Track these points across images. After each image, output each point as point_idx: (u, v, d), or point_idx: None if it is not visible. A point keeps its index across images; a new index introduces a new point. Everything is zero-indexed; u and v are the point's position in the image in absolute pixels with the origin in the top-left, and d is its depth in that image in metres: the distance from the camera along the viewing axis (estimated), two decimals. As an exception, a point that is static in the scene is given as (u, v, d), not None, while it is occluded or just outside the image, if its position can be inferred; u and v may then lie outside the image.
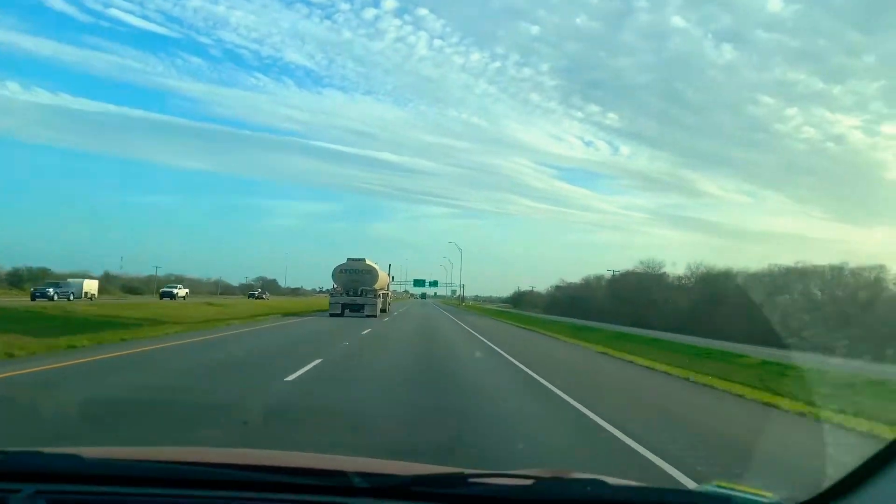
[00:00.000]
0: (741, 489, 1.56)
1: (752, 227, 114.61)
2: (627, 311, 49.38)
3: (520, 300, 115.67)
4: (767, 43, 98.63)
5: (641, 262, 62.89)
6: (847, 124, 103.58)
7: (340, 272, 38.95)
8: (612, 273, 68.88)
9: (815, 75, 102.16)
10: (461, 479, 1.79)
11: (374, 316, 36.89)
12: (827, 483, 1.37)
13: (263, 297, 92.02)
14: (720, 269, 47.91)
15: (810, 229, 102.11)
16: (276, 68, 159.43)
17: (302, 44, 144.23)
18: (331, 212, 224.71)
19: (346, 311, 37.45)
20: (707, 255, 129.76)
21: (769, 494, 1.52)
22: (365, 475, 1.81)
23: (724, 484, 1.62)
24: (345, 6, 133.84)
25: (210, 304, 50.45)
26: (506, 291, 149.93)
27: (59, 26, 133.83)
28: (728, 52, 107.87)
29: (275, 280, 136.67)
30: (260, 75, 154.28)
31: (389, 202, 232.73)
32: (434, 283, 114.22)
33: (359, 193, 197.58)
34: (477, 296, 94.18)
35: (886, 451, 1.15)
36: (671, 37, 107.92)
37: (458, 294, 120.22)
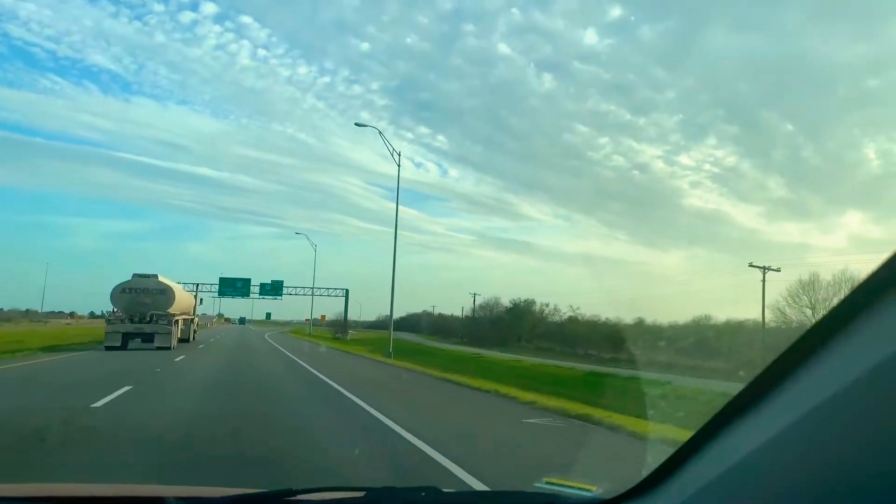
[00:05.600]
0: (569, 484, 1.57)
1: (567, 249, 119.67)
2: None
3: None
4: (584, 74, 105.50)
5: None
6: (650, 154, 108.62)
7: (122, 292, 30.06)
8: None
9: (624, 107, 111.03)
10: (289, 494, 1.67)
11: (169, 348, 28.75)
12: (645, 473, 1.39)
13: None
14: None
15: (617, 252, 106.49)
16: (75, 71, 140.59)
17: (107, 45, 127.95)
18: (138, 231, 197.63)
19: (131, 342, 29.01)
20: (526, 277, 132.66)
21: (594, 488, 1.54)
22: (183, 499, 1.68)
23: (553, 480, 1.63)
24: (158, 7, 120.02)
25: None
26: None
27: None
28: (548, 81, 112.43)
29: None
30: (56, 77, 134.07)
31: (206, 221, 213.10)
32: (278, 288, 63.70)
33: (171, 211, 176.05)
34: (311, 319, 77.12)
35: (692, 441, 1.19)
36: (497, 63, 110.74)
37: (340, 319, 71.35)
